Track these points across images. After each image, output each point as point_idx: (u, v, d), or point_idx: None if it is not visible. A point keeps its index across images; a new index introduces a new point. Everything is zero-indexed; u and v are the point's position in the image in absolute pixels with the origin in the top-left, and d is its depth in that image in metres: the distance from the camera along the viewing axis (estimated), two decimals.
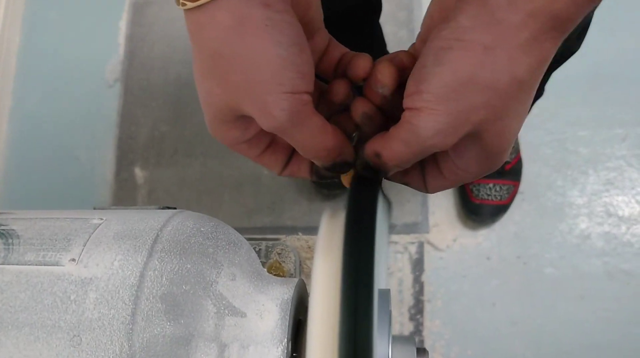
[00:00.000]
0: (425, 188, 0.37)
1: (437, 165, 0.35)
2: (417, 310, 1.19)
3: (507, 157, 0.33)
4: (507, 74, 0.28)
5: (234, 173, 1.31)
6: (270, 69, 0.29)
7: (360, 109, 0.34)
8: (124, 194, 1.33)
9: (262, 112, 0.30)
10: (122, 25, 1.46)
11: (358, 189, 0.35)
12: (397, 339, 0.37)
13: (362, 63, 0.34)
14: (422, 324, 1.18)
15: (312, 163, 0.36)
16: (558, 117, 1.27)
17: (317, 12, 0.35)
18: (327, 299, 0.32)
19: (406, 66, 0.34)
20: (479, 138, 0.31)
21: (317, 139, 0.32)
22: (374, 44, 0.92)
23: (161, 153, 1.34)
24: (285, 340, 0.35)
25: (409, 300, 1.20)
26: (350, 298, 0.29)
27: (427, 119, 0.29)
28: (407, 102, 0.30)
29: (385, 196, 0.37)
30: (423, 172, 0.36)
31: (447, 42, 0.29)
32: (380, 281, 0.39)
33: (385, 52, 1.00)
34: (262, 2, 0.28)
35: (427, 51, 0.30)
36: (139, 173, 1.34)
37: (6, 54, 1.45)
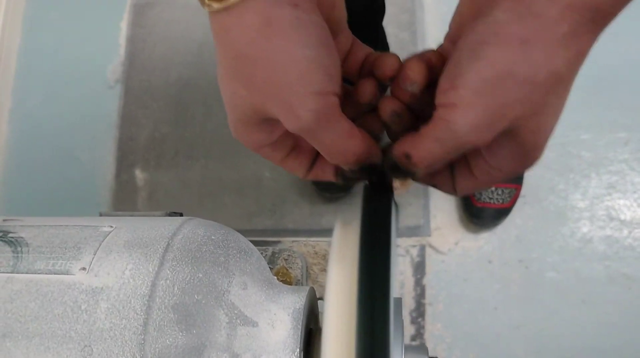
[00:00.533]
0: (454, 190, 0.35)
1: (467, 165, 0.34)
2: (419, 313, 1.19)
3: (542, 154, 0.32)
4: (545, 69, 0.28)
5: (235, 175, 1.30)
6: (297, 70, 0.28)
7: (389, 108, 0.33)
8: (124, 196, 1.33)
9: (288, 114, 0.30)
10: (123, 26, 1.45)
11: (372, 196, 0.35)
12: (410, 348, 0.37)
13: (390, 61, 0.34)
14: (423, 327, 1.18)
15: (337, 166, 0.35)
16: (560, 121, 1.25)
17: (341, 12, 0.34)
18: (342, 309, 0.31)
19: (434, 65, 0.33)
20: (515, 134, 0.30)
21: (344, 142, 0.31)
22: (377, 46, 0.92)
23: (162, 155, 1.34)
24: (298, 350, 0.34)
25: (410, 303, 1.19)
26: (367, 310, 0.29)
27: (464, 115, 0.28)
28: (440, 99, 0.29)
29: (395, 201, 0.36)
30: (452, 173, 0.35)
31: (483, 37, 0.28)
32: (393, 289, 0.38)
33: None
34: (290, 2, 0.28)
35: (462, 46, 0.29)
36: (139, 174, 1.33)
37: (6, 55, 1.45)
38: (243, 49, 0.29)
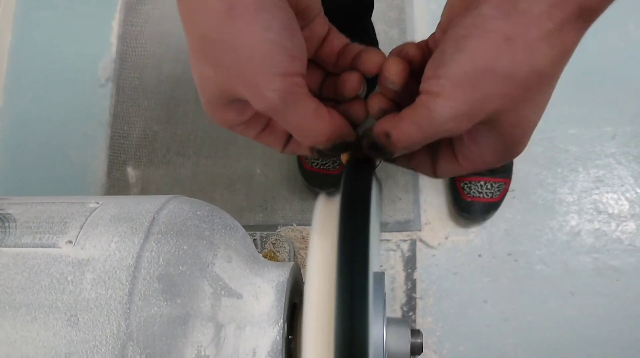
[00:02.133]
0: (434, 173, 0.36)
1: (452, 150, 0.35)
2: (410, 307, 1.19)
3: (524, 148, 0.33)
4: (527, 66, 0.28)
5: (226, 172, 1.31)
6: (260, 52, 0.29)
7: (377, 105, 0.35)
8: (116, 193, 1.33)
9: (254, 95, 0.30)
10: (115, 24, 1.46)
11: (353, 173, 0.35)
12: (392, 321, 0.38)
13: (373, 58, 0.35)
14: (414, 321, 1.19)
15: None
16: (548, 116, 1.27)
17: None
18: (322, 282, 0.32)
19: (414, 59, 0.34)
20: (494, 126, 0.31)
21: (310, 122, 0.32)
22: (365, 42, 0.93)
23: (153, 152, 1.34)
24: (281, 321, 0.35)
25: (401, 298, 1.20)
26: (346, 282, 0.29)
27: (444, 104, 0.29)
28: (424, 86, 0.30)
29: (377, 178, 0.37)
30: (435, 156, 0.36)
31: (467, 30, 0.29)
32: (375, 264, 0.39)
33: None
34: None
35: (448, 37, 0.30)
36: (131, 172, 1.34)
37: None
38: (208, 32, 0.30)
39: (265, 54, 0.29)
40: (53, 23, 1.49)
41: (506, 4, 0.28)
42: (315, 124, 0.32)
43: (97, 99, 1.41)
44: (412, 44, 0.35)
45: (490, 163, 0.34)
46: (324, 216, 0.35)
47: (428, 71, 0.30)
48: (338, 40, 0.37)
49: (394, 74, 0.34)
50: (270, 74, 0.30)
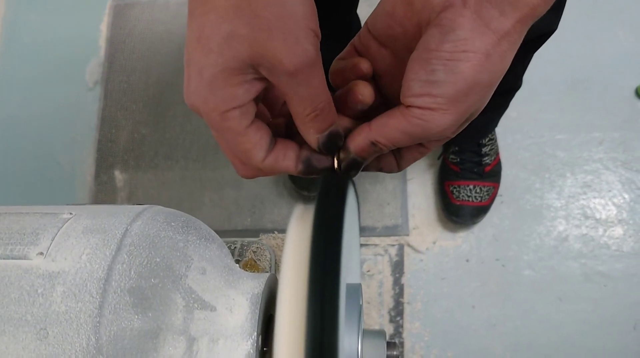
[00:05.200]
0: (398, 166, 0.40)
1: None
2: (397, 312, 1.19)
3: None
4: (499, 72, 0.34)
5: (214, 176, 1.30)
6: (302, 10, 0.31)
7: (345, 125, 0.38)
8: (104, 197, 1.32)
9: (294, 47, 0.31)
10: (103, 27, 1.45)
11: (328, 183, 0.35)
12: (368, 333, 0.37)
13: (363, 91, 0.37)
14: (402, 326, 1.19)
15: (299, 151, 0.37)
16: (536, 122, 1.28)
17: None
18: (294, 294, 0.32)
19: (367, 74, 0.38)
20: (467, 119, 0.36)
21: (323, 89, 0.34)
22: (352, 33, 0.92)
23: (141, 156, 1.34)
24: (255, 333, 0.35)
25: (389, 302, 1.20)
26: (316, 295, 0.29)
27: (440, 118, 0.34)
28: (415, 102, 0.34)
29: (354, 186, 0.37)
30: (399, 153, 0.39)
31: (455, 55, 0.33)
32: (350, 276, 0.39)
33: None
34: None
35: (428, 59, 0.33)
36: (118, 175, 1.33)
37: None
38: None
39: (307, 11, 0.32)
40: (42, 26, 1.49)
41: (479, 26, 0.33)
42: (324, 91, 0.34)
43: (85, 102, 1.40)
44: (363, 60, 0.38)
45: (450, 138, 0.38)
46: (299, 227, 0.35)
47: (415, 88, 0.34)
48: None
49: (368, 96, 0.37)
50: (309, 29, 0.32)
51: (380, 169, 0.40)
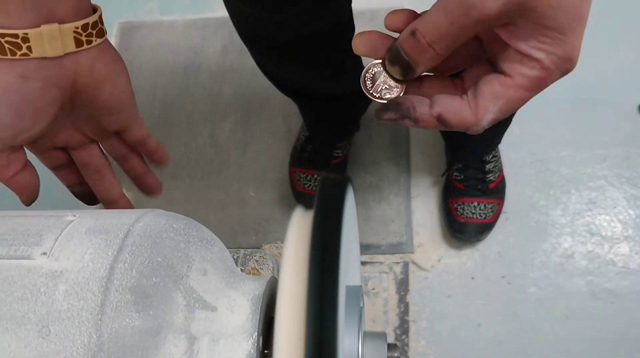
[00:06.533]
0: (476, 113, 0.34)
1: (495, 68, 0.34)
2: (403, 330, 1.19)
3: (577, 50, 0.32)
4: None
5: (219, 195, 1.31)
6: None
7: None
8: None
9: None
10: None
11: (327, 186, 0.35)
12: (368, 335, 0.37)
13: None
14: (407, 345, 1.18)
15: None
16: (540, 139, 1.28)
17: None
18: (293, 295, 0.32)
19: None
20: (530, 11, 0.30)
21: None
22: (347, 66, 0.92)
23: None
24: (256, 334, 0.35)
25: (394, 320, 1.19)
26: (316, 296, 0.29)
27: None
28: None
29: (353, 189, 0.37)
30: (475, 92, 0.34)
31: None
32: (350, 278, 0.39)
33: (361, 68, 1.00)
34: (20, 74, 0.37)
35: None
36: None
37: None
38: None
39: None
40: None
41: None
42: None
43: None
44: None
45: (548, 70, 0.32)
46: (297, 231, 0.35)
47: None
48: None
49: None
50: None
51: (444, 118, 0.35)
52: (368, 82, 0.38)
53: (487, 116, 0.34)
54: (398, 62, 0.34)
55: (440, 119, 0.34)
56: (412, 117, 0.35)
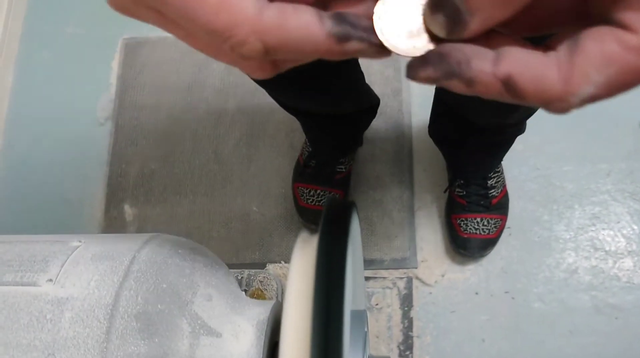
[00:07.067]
0: (566, 84, 0.23)
1: (612, 24, 0.22)
2: (407, 346, 1.18)
3: None
4: None
5: (222, 210, 1.31)
6: None
7: None
8: (113, 232, 1.33)
9: None
10: (115, 65, 1.48)
11: (331, 212, 0.36)
12: None
13: None
14: None
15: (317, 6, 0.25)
16: (543, 154, 1.29)
17: None
18: (298, 321, 0.32)
19: None
20: None
21: None
22: (352, 88, 0.93)
23: (150, 191, 1.35)
24: None
25: (398, 336, 1.19)
26: (321, 322, 0.29)
27: None
28: None
29: (357, 212, 0.37)
30: (571, 49, 0.23)
31: None
32: (355, 302, 0.39)
33: (365, 87, 1.01)
34: None
35: None
36: (128, 210, 1.34)
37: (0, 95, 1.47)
38: None
39: None
40: (54, 64, 1.52)
41: None
42: None
43: (96, 138, 1.42)
44: None
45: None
46: (302, 256, 0.35)
47: None
48: None
49: None
50: None
51: (522, 93, 0.23)
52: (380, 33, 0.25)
53: (584, 87, 0.23)
54: (444, 8, 0.22)
55: (508, 83, 0.23)
56: (464, 75, 0.23)
